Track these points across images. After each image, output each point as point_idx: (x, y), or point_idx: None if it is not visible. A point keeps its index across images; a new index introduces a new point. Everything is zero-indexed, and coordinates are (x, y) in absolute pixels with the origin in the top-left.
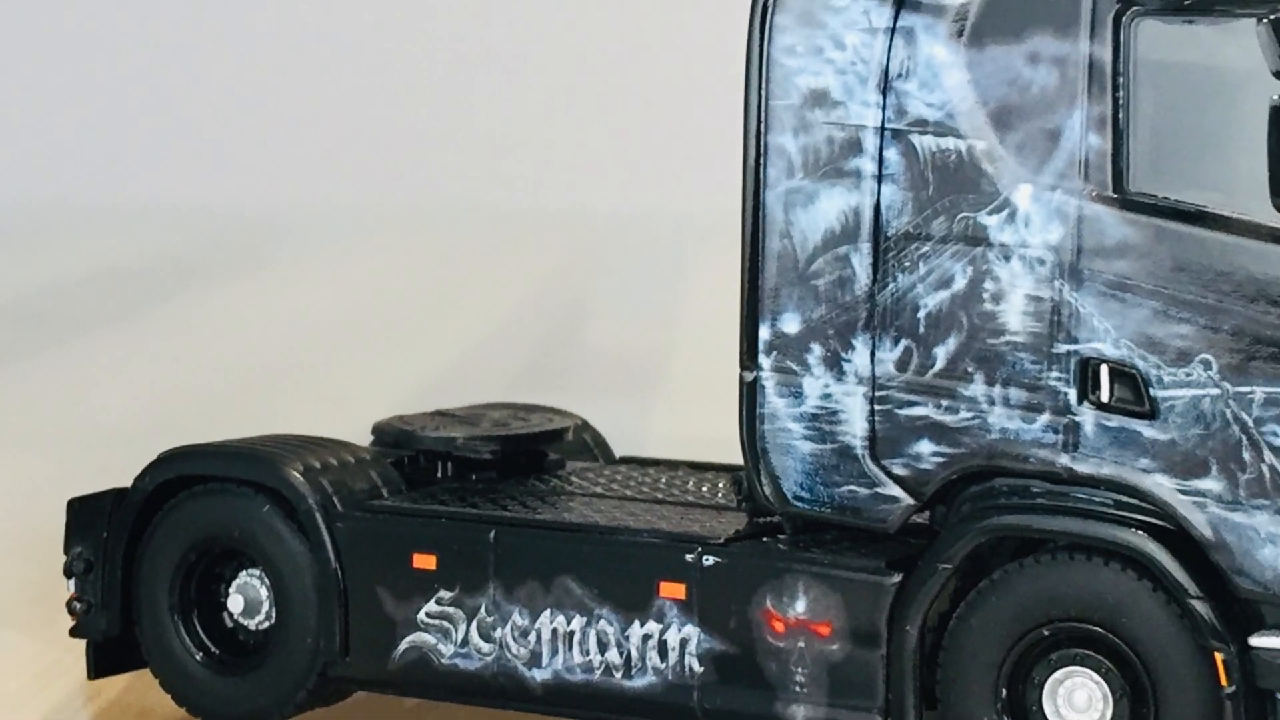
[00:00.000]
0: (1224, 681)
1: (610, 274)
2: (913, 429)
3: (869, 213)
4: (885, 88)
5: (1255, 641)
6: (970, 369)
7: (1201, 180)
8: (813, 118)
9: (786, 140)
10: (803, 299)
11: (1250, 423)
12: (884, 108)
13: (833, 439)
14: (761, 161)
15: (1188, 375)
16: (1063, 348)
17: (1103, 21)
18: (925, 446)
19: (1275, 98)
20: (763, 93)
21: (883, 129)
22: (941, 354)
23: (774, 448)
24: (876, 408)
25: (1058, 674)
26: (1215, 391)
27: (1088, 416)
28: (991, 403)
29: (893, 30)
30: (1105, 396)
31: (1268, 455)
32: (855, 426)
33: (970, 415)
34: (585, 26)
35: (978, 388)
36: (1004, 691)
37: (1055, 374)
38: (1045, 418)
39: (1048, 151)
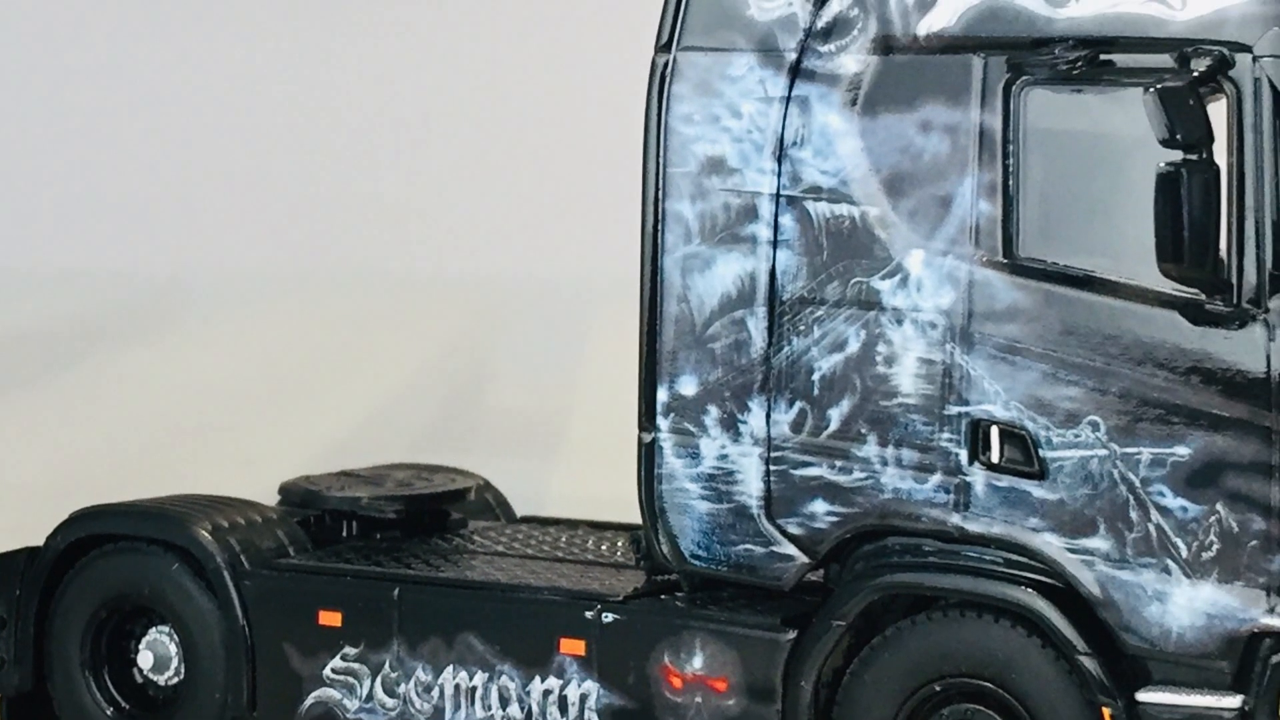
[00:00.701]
0: None
1: (512, 338)
2: (807, 489)
3: (764, 277)
4: (781, 155)
5: (1142, 697)
6: (864, 430)
7: (1090, 246)
8: (710, 185)
9: (684, 207)
10: (700, 362)
11: (1137, 483)
12: (779, 175)
13: (729, 499)
14: (660, 228)
15: (1076, 436)
16: (954, 409)
17: (993, 91)
18: (820, 506)
19: (1162, 165)
20: (661, 160)
21: (778, 196)
22: (835, 416)
23: (672, 507)
24: (772, 468)
25: None
26: (1103, 452)
27: (978, 477)
28: (884, 463)
29: (788, 99)
30: (996, 457)
31: (1154, 515)
32: (751, 487)
33: (864, 475)
34: (487, 95)
35: (871, 449)
36: None
37: (947, 435)
38: (937, 478)
39: (939, 218)
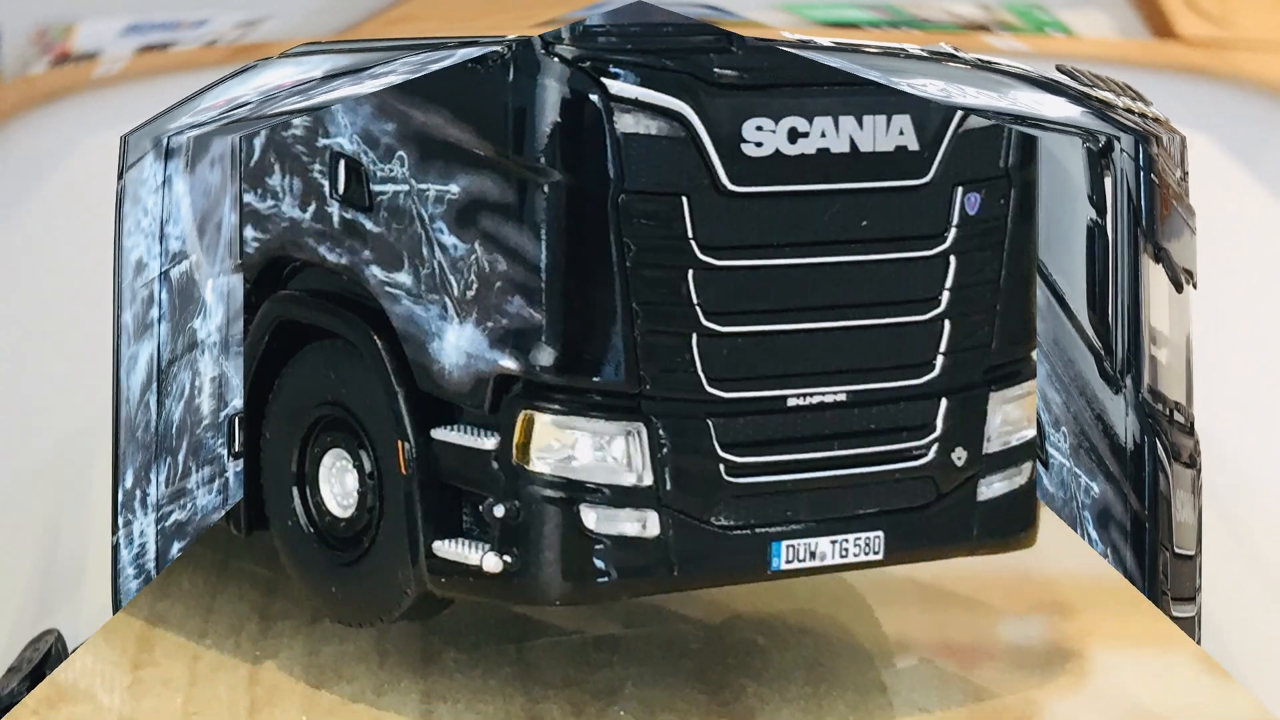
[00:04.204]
0: (402, 469)
1: None
2: None
3: None
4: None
5: (434, 434)
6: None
7: None
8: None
9: None
10: None
11: (427, 218)
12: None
13: None
14: None
15: (390, 171)
16: None
17: None
18: (248, 232)
19: None
20: None
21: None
22: None
23: None
24: None
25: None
26: (406, 187)
27: (335, 208)
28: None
29: None
30: (341, 189)
31: (437, 251)
32: None
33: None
34: None
35: None
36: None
37: (318, 167)
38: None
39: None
